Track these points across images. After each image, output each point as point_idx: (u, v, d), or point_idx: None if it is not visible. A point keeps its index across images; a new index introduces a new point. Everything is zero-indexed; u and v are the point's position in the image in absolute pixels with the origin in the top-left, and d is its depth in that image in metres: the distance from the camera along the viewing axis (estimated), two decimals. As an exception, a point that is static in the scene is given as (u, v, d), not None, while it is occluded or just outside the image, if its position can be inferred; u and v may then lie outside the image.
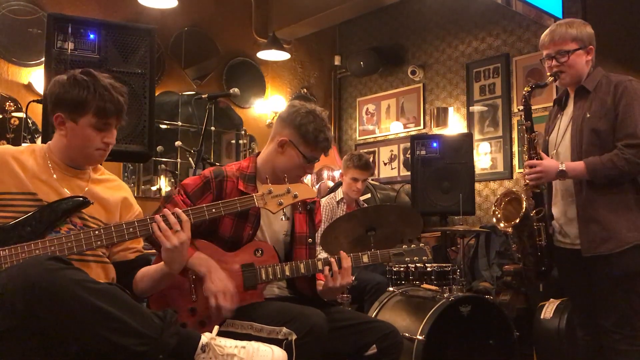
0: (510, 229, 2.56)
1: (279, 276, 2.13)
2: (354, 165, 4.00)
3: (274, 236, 2.27)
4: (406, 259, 2.30)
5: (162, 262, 1.84)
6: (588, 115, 2.44)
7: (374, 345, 2.08)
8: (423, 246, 2.33)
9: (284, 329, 1.87)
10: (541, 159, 2.48)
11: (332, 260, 2.14)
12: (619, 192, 2.40)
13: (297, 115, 2.19)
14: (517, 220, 2.50)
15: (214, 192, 2.14)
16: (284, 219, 2.03)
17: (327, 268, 2.13)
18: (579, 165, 2.39)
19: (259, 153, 2.33)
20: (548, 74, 2.53)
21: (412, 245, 2.32)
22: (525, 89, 2.57)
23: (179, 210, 1.80)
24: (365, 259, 2.24)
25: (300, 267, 2.14)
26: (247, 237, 2.17)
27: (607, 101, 2.42)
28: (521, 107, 2.59)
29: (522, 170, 5.37)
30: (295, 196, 1.93)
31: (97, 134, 1.86)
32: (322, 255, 3.61)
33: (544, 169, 2.45)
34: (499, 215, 2.60)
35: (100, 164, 2.05)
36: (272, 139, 2.26)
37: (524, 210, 2.49)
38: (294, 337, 1.84)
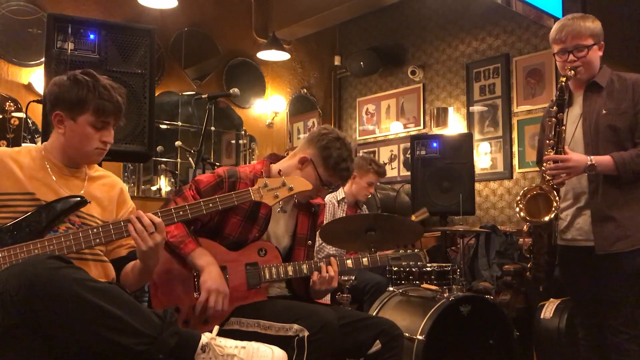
0: (527, 226, 2.45)
1: (282, 276, 2.16)
2: (374, 171, 3.96)
3: (278, 240, 2.30)
4: (403, 263, 2.45)
5: None
6: (604, 112, 2.39)
7: (378, 341, 2.09)
8: (418, 252, 2.55)
9: (295, 326, 1.88)
10: (566, 153, 2.36)
11: (322, 265, 2.21)
12: (637, 190, 2.36)
13: (325, 138, 2.23)
14: (547, 218, 2.37)
15: (225, 191, 2.14)
16: (280, 211, 2.06)
17: (316, 273, 2.20)
18: (607, 159, 2.32)
19: (272, 155, 2.36)
20: (568, 67, 2.42)
21: (409, 251, 2.55)
22: (562, 79, 2.43)
23: (150, 215, 1.78)
24: (365, 261, 2.34)
25: (303, 268, 2.19)
26: (252, 239, 2.20)
27: (625, 99, 2.38)
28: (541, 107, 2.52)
29: (521, 170, 5.44)
30: (291, 189, 1.94)
31: (96, 132, 1.88)
32: (331, 251, 3.62)
33: (574, 163, 2.32)
34: (520, 212, 2.42)
35: (99, 165, 2.06)
36: (295, 154, 2.29)
37: (554, 208, 2.36)
38: (306, 333, 1.86)
